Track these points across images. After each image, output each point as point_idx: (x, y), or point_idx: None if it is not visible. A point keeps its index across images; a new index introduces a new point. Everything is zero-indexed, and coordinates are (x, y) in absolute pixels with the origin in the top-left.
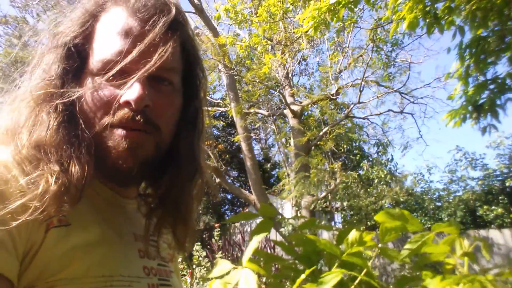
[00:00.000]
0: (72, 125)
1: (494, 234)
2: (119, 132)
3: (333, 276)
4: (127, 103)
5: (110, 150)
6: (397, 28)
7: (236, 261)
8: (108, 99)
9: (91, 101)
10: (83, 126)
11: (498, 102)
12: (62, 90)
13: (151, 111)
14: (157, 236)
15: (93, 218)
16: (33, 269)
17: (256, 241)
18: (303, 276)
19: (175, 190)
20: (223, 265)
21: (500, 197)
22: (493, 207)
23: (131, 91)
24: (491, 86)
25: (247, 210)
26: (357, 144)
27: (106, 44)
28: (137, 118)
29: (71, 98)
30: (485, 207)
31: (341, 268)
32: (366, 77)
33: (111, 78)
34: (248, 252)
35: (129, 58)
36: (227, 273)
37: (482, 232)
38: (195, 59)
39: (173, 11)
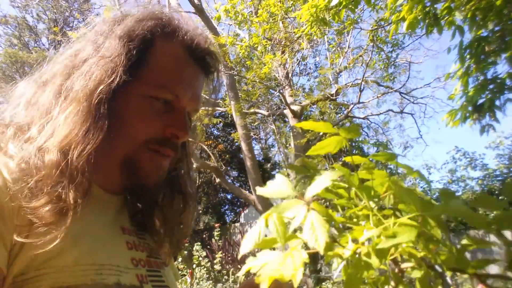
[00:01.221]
0: (106, 136)
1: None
2: (155, 157)
3: (409, 229)
4: (173, 134)
5: (141, 170)
6: (396, 29)
7: (237, 261)
8: (156, 125)
9: (139, 120)
10: (116, 137)
11: (498, 102)
12: (109, 96)
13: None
14: (147, 233)
15: (80, 212)
16: (22, 258)
17: (330, 177)
18: (370, 221)
19: (165, 200)
20: (281, 185)
21: (500, 197)
22: None
23: (179, 125)
24: (491, 86)
25: (247, 210)
26: (356, 144)
27: (170, 76)
28: (172, 146)
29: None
30: None
31: None
32: (366, 77)
33: (162, 105)
34: (316, 188)
35: (184, 102)
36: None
37: (482, 232)
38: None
39: (220, 63)
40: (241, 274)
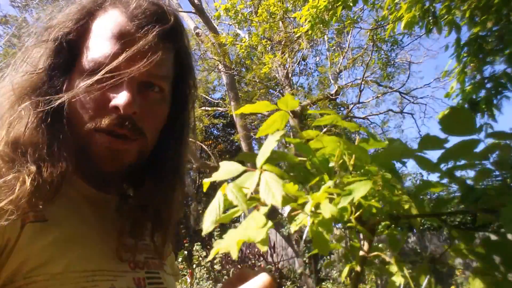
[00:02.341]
0: (54, 123)
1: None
2: (104, 138)
3: (364, 183)
4: (115, 108)
5: (93, 154)
6: (394, 28)
7: (237, 260)
8: (96, 102)
9: (79, 102)
10: (67, 125)
11: (495, 101)
12: (48, 86)
13: (138, 117)
14: (140, 234)
15: (71, 215)
16: (11, 264)
17: (274, 140)
18: (330, 183)
19: (157, 198)
20: (230, 165)
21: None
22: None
23: (120, 96)
24: (488, 85)
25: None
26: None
27: (100, 45)
28: (124, 124)
29: (57, 97)
30: None
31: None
32: (366, 77)
33: (101, 80)
34: (264, 153)
35: (114, 63)
36: (239, 176)
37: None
38: (188, 69)
39: (171, 20)
40: (210, 258)
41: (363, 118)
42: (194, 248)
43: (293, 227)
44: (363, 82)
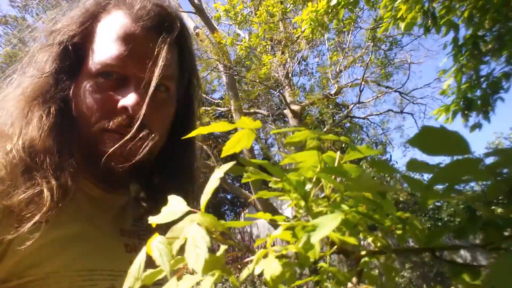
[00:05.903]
0: (64, 127)
1: None
2: (114, 137)
3: (333, 217)
4: (124, 109)
5: (103, 155)
6: (388, 26)
7: (237, 261)
8: (104, 103)
9: (88, 103)
10: (76, 127)
11: (491, 100)
12: (56, 89)
13: (146, 117)
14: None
15: (73, 215)
16: (6, 263)
17: (217, 177)
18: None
19: (168, 195)
20: (175, 204)
21: (500, 197)
22: (493, 207)
23: (129, 97)
24: (484, 85)
25: (247, 210)
26: (356, 143)
27: (106, 47)
28: (133, 124)
29: (65, 97)
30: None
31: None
32: (366, 77)
33: (109, 82)
34: (207, 194)
35: (133, 68)
36: (182, 218)
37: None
38: (191, 68)
39: (176, 21)
40: None
41: (363, 118)
42: None
43: (242, 278)
44: (363, 82)
